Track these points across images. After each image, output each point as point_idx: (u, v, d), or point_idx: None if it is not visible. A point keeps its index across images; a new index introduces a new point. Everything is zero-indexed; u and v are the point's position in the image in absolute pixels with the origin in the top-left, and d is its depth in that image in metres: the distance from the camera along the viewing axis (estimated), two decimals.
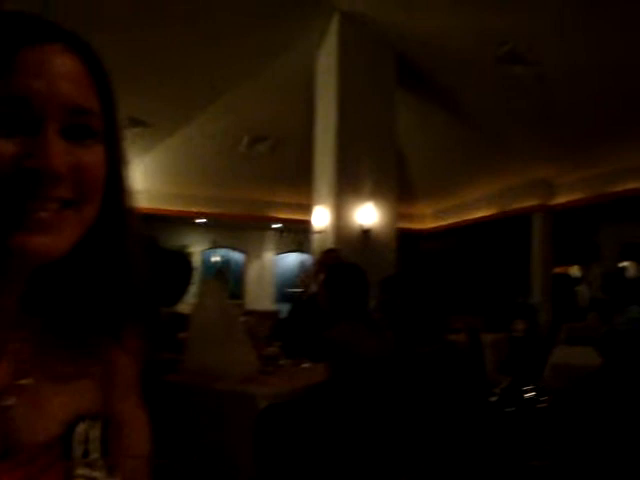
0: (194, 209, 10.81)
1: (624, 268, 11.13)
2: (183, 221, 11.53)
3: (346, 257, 5.89)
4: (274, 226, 12.47)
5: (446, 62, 6.95)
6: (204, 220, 11.57)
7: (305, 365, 2.76)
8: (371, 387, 2.26)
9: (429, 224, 12.23)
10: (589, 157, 8.32)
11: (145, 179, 9.53)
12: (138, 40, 6.21)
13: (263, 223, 12.09)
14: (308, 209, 6.97)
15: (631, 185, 8.11)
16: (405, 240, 10.08)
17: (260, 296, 12.83)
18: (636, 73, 6.21)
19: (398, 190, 6.79)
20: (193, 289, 2.83)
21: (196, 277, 3.44)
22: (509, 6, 5.73)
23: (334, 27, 6.49)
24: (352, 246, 6.20)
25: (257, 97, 7.75)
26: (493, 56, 6.42)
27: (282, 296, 13.36)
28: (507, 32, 6.15)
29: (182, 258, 3.24)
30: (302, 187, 7.72)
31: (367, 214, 6.31)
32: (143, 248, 0.65)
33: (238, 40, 6.62)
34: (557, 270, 12.37)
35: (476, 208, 10.65)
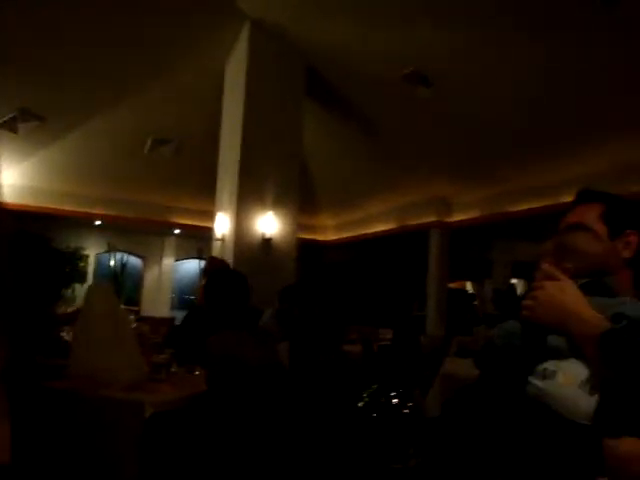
0: (91, 210, 10.40)
1: (514, 285, 11.69)
2: (79, 222, 11.06)
3: (247, 265, 5.89)
4: (175, 232, 12.22)
5: (354, 77, 7.08)
6: (100, 222, 11.15)
7: (197, 372, 2.71)
8: (251, 396, 2.23)
9: (331, 236, 12.36)
10: (485, 178, 8.69)
11: (39, 176, 9.10)
12: (41, 20, 5.88)
13: (163, 228, 11.81)
14: (210, 215, 6.87)
15: (523, 206, 8.54)
16: (307, 251, 10.15)
17: (157, 302, 12.52)
18: (534, 100, 6.55)
19: (301, 201, 6.82)
20: (83, 292, 2.73)
21: (89, 279, 3.33)
22: (416, 29, 5.90)
23: (245, 34, 6.46)
24: (253, 255, 6.17)
25: (163, 99, 7.59)
26: (399, 75, 6.59)
27: (181, 303, 13.11)
28: (412, 53, 6.34)
29: (55, 256, 3.11)
30: (205, 193, 7.60)
31: (269, 223, 6.30)
32: (7, 245, 0.62)
33: (147, 41, 6.47)
34: (452, 285, 12.84)
35: (377, 222, 10.87)
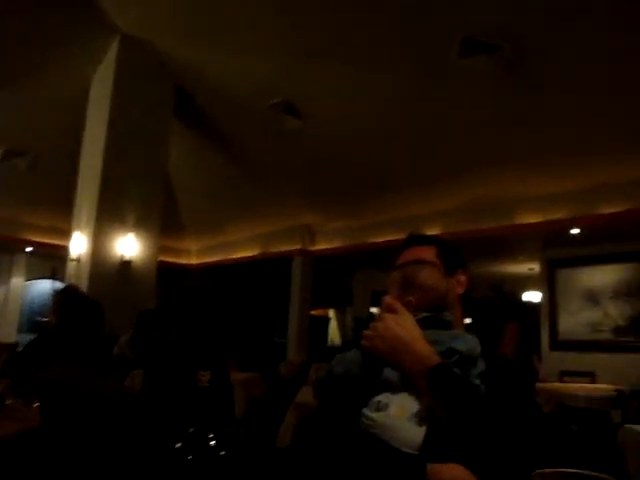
0: None
1: (374, 314, 12.06)
2: None
3: (103, 288, 5.64)
4: (27, 249, 11.44)
5: (224, 101, 7.06)
6: None
7: (37, 404, 2.53)
8: (85, 431, 2.10)
9: (195, 260, 12.15)
10: (349, 209, 8.95)
11: None
12: None
13: (13, 245, 11.02)
14: (67, 234, 6.52)
15: (383, 238, 8.87)
16: (169, 275, 9.90)
17: (3, 325, 11.62)
18: (395, 137, 6.86)
19: (165, 223, 6.66)
20: None
21: None
22: (287, 59, 6.01)
23: (114, 48, 6.25)
24: (110, 277, 5.91)
25: (19, 109, 7.15)
26: (267, 103, 6.67)
27: (32, 325, 12.26)
28: (283, 83, 6.45)
29: None
30: (62, 210, 7.20)
31: (129, 244, 6.08)
32: None
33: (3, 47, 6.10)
34: (315, 313, 13.01)
35: (241, 247, 10.82)
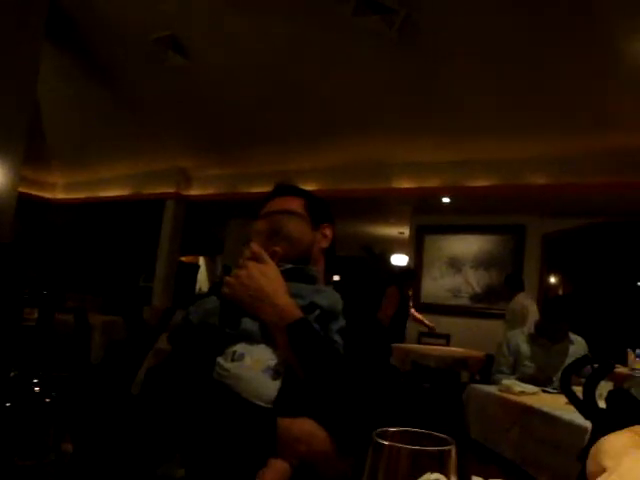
0: None
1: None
2: None
3: None
4: None
5: (105, 28, 6.59)
6: None
7: None
8: None
9: (61, 195, 11.47)
10: (227, 156, 8.77)
11: None
12: None
13: None
14: None
15: (258, 188, 8.79)
16: (31, 208, 9.32)
17: None
18: (282, 90, 6.74)
19: (29, 153, 6.18)
20: None
21: None
22: None
23: None
24: None
25: None
26: (151, 36, 6.31)
27: None
28: (169, 18, 6.11)
29: None
30: None
31: None
32: None
33: None
34: (185, 259, 12.81)
35: (113, 185, 10.33)
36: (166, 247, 9.59)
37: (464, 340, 7.31)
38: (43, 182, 11.02)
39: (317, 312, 1.25)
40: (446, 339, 7.69)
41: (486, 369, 4.78)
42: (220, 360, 1.21)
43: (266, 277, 1.27)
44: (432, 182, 7.63)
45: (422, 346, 6.92)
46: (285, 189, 1.57)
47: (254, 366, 1.18)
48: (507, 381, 3.31)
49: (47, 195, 11.32)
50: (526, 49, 5.16)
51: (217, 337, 1.24)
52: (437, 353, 5.94)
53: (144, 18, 6.20)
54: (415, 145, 7.22)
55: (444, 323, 8.21)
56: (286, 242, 1.39)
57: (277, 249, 1.36)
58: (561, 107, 5.90)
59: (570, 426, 2.36)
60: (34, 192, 10.59)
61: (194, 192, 9.74)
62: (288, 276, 1.31)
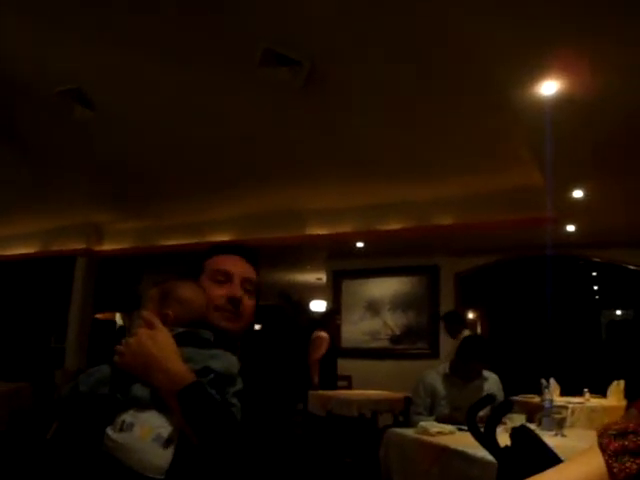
0: None
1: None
2: None
3: None
4: None
5: (5, 82, 6.41)
6: None
7: None
8: None
9: None
10: (139, 210, 8.61)
11: None
12: None
13: None
14: None
15: (173, 241, 8.69)
16: None
17: None
18: (190, 140, 6.72)
19: None
20: None
21: None
22: (78, 45, 5.59)
23: None
24: None
25: None
26: (54, 90, 6.18)
27: None
28: (72, 70, 6.01)
29: None
30: None
31: None
32: None
33: None
34: (100, 316, 12.37)
35: (18, 243, 9.92)
36: (78, 305, 9.24)
37: (385, 383, 7.35)
38: None
39: (211, 376, 1.23)
40: (347, 381, 7.68)
41: (407, 410, 4.80)
42: (109, 431, 1.16)
43: (155, 342, 1.24)
44: (345, 227, 7.75)
45: (343, 391, 6.89)
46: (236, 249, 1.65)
47: (144, 435, 1.13)
48: (424, 423, 3.34)
49: None
50: (427, 97, 5.38)
51: (107, 406, 1.19)
52: (358, 397, 5.93)
53: (47, 72, 6.07)
54: (326, 192, 7.34)
55: (364, 366, 8.25)
56: (178, 305, 1.37)
57: (168, 312, 1.35)
58: (462, 151, 6.17)
59: (483, 463, 2.40)
60: None
61: (106, 247, 9.49)
62: (181, 340, 1.29)
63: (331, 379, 6.93)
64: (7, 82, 6.38)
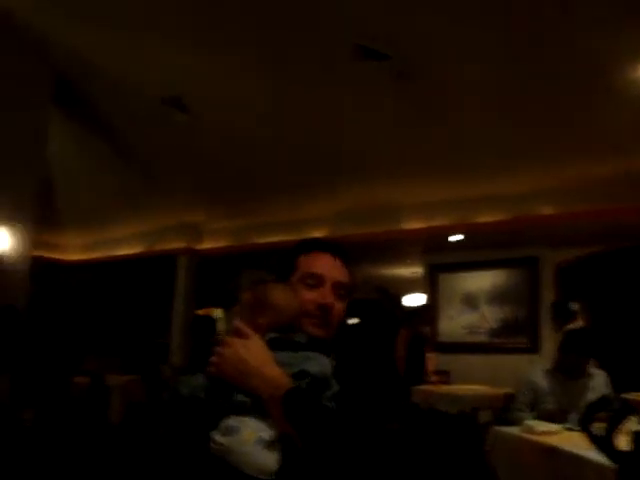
0: None
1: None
2: None
3: None
4: None
5: (110, 91, 6.74)
6: None
7: None
8: None
9: (76, 256, 11.57)
10: (236, 209, 8.85)
11: None
12: None
13: None
14: None
15: (269, 239, 8.86)
16: (47, 271, 9.38)
17: None
18: (286, 139, 6.83)
19: (43, 217, 6.28)
20: None
21: None
22: (179, 53, 5.81)
23: None
24: None
25: None
26: (157, 96, 6.44)
27: None
28: (174, 77, 6.24)
29: None
30: None
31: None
32: None
33: None
34: (200, 312, 12.78)
35: (125, 244, 10.43)
36: (181, 302, 9.62)
37: (484, 377, 7.20)
38: (56, 244, 11.14)
39: (307, 379, 1.25)
40: (445, 376, 7.54)
41: (508, 407, 4.69)
42: (215, 435, 1.20)
43: (250, 351, 1.26)
44: (442, 220, 7.64)
45: (441, 387, 6.80)
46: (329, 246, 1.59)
47: (248, 439, 1.17)
48: (529, 421, 3.26)
49: (61, 257, 11.43)
50: (527, 82, 5.21)
51: (208, 411, 1.23)
52: (458, 393, 5.84)
53: (149, 79, 6.33)
54: (422, 186, 7.26)
55: (462, 361, 8.12)
56: (271, 310, 1.39)
57: (262, 321, 1.37)
58: (559, 140, 5.95)
59: (598, 466, 2.30)
60: (48, 255, 10.70)
61: (206, 245, 9.80)
62: (274, 345, 1.31)
63: (417, 374, 6.86)
64: (111, 91, 6.72)
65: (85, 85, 6.78)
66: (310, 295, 1.45)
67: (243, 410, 1.21)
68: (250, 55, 5.68)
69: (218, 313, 14.72)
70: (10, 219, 5.76)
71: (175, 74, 6.21)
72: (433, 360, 7.32)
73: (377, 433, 1.31)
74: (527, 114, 5.68)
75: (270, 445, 1.17)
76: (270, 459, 1.16)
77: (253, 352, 1.26)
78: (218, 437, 1.19)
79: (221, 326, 14.45)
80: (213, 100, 6.52)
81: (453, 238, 7.89)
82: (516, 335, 8.26)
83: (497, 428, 3.52)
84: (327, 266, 1.50)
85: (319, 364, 1.28)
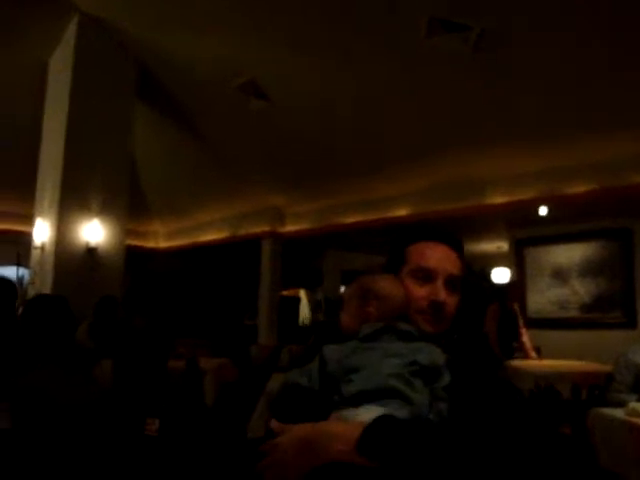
0: None
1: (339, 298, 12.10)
2: None
3: (69, 276, 5.52)
4: None
5: (188, 82, 6.92)
6: None
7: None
8: (57, 437, 2.02)
9: (162, 243, 11.98)
10: (318, 190, 8.89)
11: None
12: None
13: None
14: (30, 220, 6.37)
15: (351, 219, 8.86)
16: (136, 259, 9.74)
17: None
18: (366, 119, 6.79)
19: (130, 206, 6.53)
20: None
21: None
22: (252, 39, 5.88)
23: (73, 28, 6.04)
24: (76, 264, 5.79)
25: None
26: (233, 84, 6.54)
27: None
28: (247, 63, 6.32)
29: None
30: (25, 195, 6.99)
31: (94, 231, 5.94)
32: None
33: None
34: (286, 293, 12.99)
35: (209, 230, 10.70)
36: (267, 284, 9.79)
37: (577, 354, 6.96)
38: (146, 233, 11.56)
39: (416, 367, 1.22)
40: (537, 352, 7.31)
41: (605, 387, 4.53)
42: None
43: (301, 433, 1.16)
44: (527, 194, 7.40)
45: (539, 362, 6.60)
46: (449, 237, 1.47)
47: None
48: (634, 404, 3.13)
49: (150, 245, 11.86)
50: (612, 50, 4.98)
51: (321, 403, 1.23)
52: (557, 369, 5.66)
53: (224, 67, 6.44)
54: (506, 158, 7.06)
55: (553, 337, 7.90)
56: (378, 301, 1.37)
57: (371, 310, 1.35)
58: None
59: None
60: (138, 243, 11.11)
61: (289, 228, 9.92)
62: (383, 335, 1.29)
63: (508, 351, 6.70)
64: (189, 81, 6.88)
65: (165, 78, 6.97)
66: (421, 291, 1.37)
67: (354, 400, 1.22)
68: (325, 40, 5.68)
69: (302, 293, 14.94)
70: (103, 212, 6.03)
71: (250, 62, 6.29)
72: (528, 335, 7.14)
73: (496, 429, 1.24)
74: (614, 80, 5.41)
75: None
76: None
77: (304, 429, 1.16)
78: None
79: (305, 306, 14.70)
80: (288, 86, 6.55)
81: (540, 211, 7.63)
82: (610, 310, 7.95)
83: (598, 409, 3.41)
84: (439, 258, 1.40)
85: (430, 354, 1.26)
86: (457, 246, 1.45)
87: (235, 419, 4.68)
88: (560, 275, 8.41)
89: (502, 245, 9.83)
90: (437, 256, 1.40)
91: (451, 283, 1.39)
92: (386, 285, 1.38)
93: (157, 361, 4.35)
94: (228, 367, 6.45)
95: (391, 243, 1.52)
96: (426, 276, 1.38)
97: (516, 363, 6.21)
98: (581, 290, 8.22)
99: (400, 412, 1.18)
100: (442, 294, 1.36)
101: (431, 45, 5.32)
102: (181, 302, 10.76)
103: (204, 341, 8.04)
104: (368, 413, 1.19)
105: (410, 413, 1.19)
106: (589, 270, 8.17)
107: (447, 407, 1.22)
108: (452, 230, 1.56)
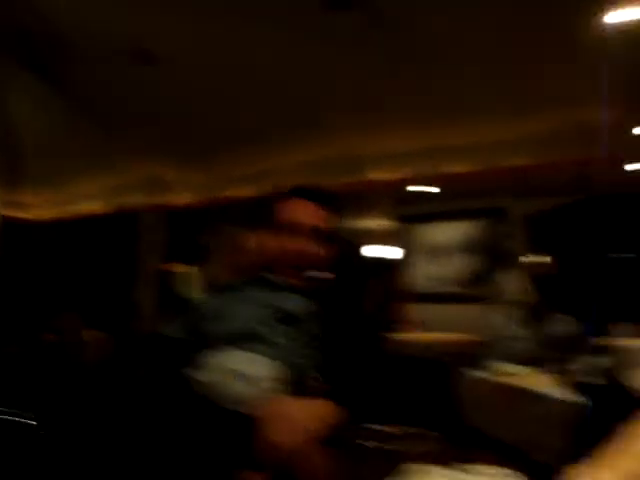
0: None
1: None
2: None
3: None
4: None
5: (71, 45, 6.51)
6: None
7: None
8: None
9: (41, 214, 11.36)
10: (204, 162, 8.72)
11: None
12: None
13: None
14: None
15: (240, 192, 8.80)
16: (12, 230, 9.23)
17: None
18: (253, 90, 6.70)
19: (4, 174, 6.13)
20: None
21: None
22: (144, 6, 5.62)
23: None
24: None
25: None
26: (120, 48, 6.24)
27: None
28: (135, 28, 6.04)
29: None
30: None
31: None
32: None
33: None
34: (168, 268, 12.73)
35: (90, 200, 10.27)
36: (148, 258, 9.54)
37: (458, 327, 7.31)
38: (24, 203, 10.92)
39: (280, 315, 1.26)
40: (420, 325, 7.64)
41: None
42: (194, 372, 1.20)
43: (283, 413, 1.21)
44: (409, 171, 7.64)
45: (414, 334, 6.89)
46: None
47: (220, 371, 1.18)
48: (499, 364, 3.32)
49: (27, 216, 11.22)
50: (496, 34, 5.17)
51: (190, 348, 1.24)
52: (431, 340, 5.92)
53: (109, 31, 6.12)
54: (388, 136, 7.23)
55: (434, 310, 8.22)
56: (245, 254, 1.40)
57: (240, 260, 1.38)
58: (534, 87, 5.95)
59: (562, 404, 2.38)
60: (13, 214, 10.50)
61: (174, 200, 9.69)
62: (254, 286, 1.32)
63: (386, 324, 6.93)
64: (69, 42, 6.49)
65: (42, 37, 6.53)
66: (288, 244, 1.44)
67: (221, 347, 1.22)
68: (218, 3, 5.52)
69: (184, 268, 14.66)
70: None
71: (138, 25, 6.00)
72: (404, 310, 7.41)
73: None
74: (496, 65, 5.64)
75: (249, 379, 1.17)
76: (235, 389, 1.16)
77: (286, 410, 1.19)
78: (194, 372, 1.20)
79: (193, 282, 14.46)
80: (178, 51, 6.33)
81: (419, 189, 7.90)
82: (484, 286, 8.39)
83: (466, 371, 3.59)
84: (304, 213, 1.49)
85: (295, 303, 1.30)
86: (327, 202, 1.56)
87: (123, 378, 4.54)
88: (441, 251, 8.76)
89: (384, 222, 10.10)
90: (303, 211, 1.50)
91: (317, 235, 1.48)
92: (254, 240, 1.43)
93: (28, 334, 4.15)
94: (107, 340, 6.28)
95: (260, 203, 1.62)
96: (293, 230, 1.47)
97: (398, 335, 6.45)
98: (460, 266, 8.61)
99: (265, 354, 1.20)
100: (308, 246, 1.46)
101: (325, 17, 5.31)
102: (58, 275, 10.31)
103: (82, 315, 7.75)
104: (231, 357, 1.20)
105: (275, 356, 1.21)
106: (468, 247, 8.57)
107: (313, 351, 1.26)
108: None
